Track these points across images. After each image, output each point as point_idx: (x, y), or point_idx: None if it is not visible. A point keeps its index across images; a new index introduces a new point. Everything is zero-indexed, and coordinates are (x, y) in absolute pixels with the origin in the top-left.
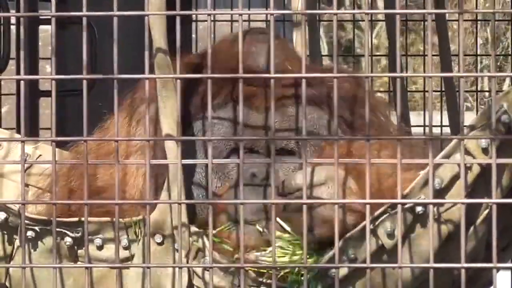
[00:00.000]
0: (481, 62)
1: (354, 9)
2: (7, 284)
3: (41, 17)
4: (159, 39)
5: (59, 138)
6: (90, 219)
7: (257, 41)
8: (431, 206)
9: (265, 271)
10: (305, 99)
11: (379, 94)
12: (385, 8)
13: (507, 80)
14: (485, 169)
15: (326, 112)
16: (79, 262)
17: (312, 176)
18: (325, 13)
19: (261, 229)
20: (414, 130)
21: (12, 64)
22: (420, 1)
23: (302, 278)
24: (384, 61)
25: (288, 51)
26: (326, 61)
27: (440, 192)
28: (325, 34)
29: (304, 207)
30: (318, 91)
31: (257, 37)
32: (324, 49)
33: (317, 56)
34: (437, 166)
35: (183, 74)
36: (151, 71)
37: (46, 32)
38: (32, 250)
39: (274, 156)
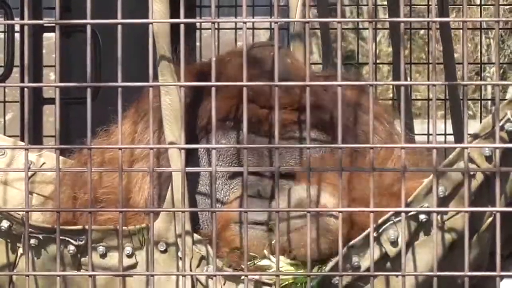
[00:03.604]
0: (484, 70)
1: (357, 17)
2: None
3: (45, 24)
4: (163, 47)
5: (63, 146)
6: (93, 227)
7: (268, 58)
8: (434, 214)
9: (270, 281)
10: (309, 106)
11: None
12: (389, 16)
13: (510, 89)
14: (489, 178)
15: (332, 138)
16: (82, 270)
17: (290, 197)
18: (330, 21)
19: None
20: (418, 138)
21: (16, 72)
22: (419, 9)
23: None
24: (384, 69)
25: (301, 70)
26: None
27: (444, 200)
28: None
29: (308, 215)
30: (325, 115)
31: (267, 52)
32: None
33: (329, 65)
34: (441, 174)
35: (187, 82)
36: (155, 79)
37: (50, 39)
38: (35, 258)
39: (278, 163)
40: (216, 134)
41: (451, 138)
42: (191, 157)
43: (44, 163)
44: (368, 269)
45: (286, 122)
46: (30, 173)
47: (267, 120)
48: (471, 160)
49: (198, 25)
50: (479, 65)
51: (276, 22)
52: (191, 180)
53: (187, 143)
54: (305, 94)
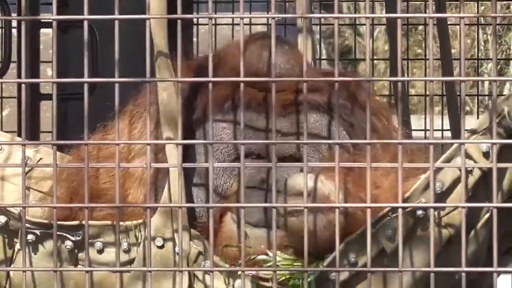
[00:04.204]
0: (481, 66)
1: (354, 13)
2: (7, 287)
3: (42, 20)
4: (160, 42)
5: (60, 142)
6: (90, 222)
7: (269, 46)
8: (431, 210)
9: (268, 276)
10: (307, 103)
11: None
12: (387, 12)
13: (507, 84)
14: (486, 173)
15: (332, 118)
16: (79, 266)
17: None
18: (327, 17)
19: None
20: (415, 134)
21: (13, 67)
22: (417, 4)
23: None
24: (381, 65)
25: (300, 59)
26: (325, 65)
27: (441, 196)
28: (324, 39)
29: (305, 210)
30: (326, 97)
31: (268, 42)
32: (323, 54)
33: (314, 60)
34: (438, 170)
35: (185, 77)
36: (153, 74)
37: (48, 35)
38: (32, 254)
39: (275, 159)
40: (217, 117)
41: (448, 134)
42: (189, 149)
43: (41, 159)
44: (365, 265)
45: (286, 102)
46: (27, 169)
47: (266, 101)
48: (468, 156)
49: (195, 20)
50: (476, 61)
51: (273, 18)
52: (188, 175)
53: (185, 134)
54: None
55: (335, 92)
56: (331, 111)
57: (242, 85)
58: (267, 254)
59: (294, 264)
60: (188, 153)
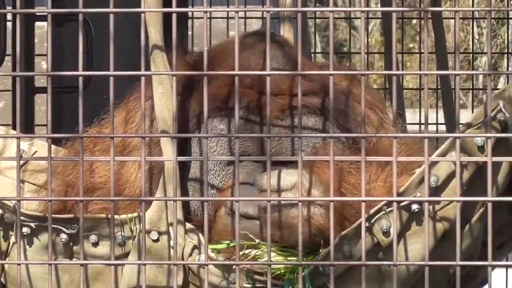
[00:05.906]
0: (475, 59)
1: (349, 7)
2: (2, 280)
3: (37, 13)
4: (155, 36)
5: (54, 135)
6: (85, 215)
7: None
8: (426, 204)
9: (262, 270)
10: (301, 96)
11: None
12: (382, 6)
13: (502, 78)
14: (481, 167)
15: (331, 123)
16: (74, 259)
17: (279, 181)
18: (322, 11)
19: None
20: (409, 127)
21: (8, 61)
22: None
23: (298, 275)
24: (375, 59)
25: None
26: (319, 59)
27: (436, 190)
28: (318, 32)
29: (300, 204)
30: (323, 101)
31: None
32: (317, 47)
33: (307, 53)
34: (433, 164)
35: (180, 71)
36: (147, 68)
37: (42, 28)
38: (27, 247)
39: (270, 154)
40: (214, 120)
41: (442, 127)
42: (186, 149)
43: (35, 152)
44: (360, 259)
45: (284, 107)
46: (21, 162)
47: (265, 104)
48: (463, 150)
49: (190, 14)
50: (470, 55)
51: (268, 11)
52: (184, 168)
53: (181, 132)
54: (304, 81)
55: (330, 87)
56: (327, 114)
57: (236, 78)
58: (258, 248)
59: (288, 258)
60: (185, 153)
